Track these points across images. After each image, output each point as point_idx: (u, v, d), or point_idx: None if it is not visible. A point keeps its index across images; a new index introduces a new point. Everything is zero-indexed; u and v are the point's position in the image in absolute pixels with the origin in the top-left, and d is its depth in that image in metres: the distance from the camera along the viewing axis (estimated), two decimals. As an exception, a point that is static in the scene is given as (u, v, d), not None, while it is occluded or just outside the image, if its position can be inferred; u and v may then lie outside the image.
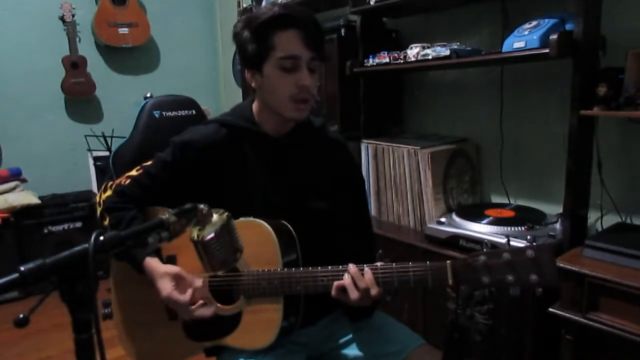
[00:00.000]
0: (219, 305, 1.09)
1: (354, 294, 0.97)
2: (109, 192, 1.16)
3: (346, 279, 0.98)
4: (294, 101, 1.05)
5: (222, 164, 1.13)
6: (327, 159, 1.19)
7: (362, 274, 0.97)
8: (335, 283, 0.99)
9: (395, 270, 0.97)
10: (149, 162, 1.17)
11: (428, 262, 0.96)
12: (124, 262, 1.12)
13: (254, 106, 1.15)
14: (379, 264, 0.99)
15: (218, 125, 1.15)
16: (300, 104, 1.05)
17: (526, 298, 1.46)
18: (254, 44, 1.03)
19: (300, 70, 1.03)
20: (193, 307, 1.05)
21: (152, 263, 1.08)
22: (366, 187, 1.33)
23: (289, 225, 1.08)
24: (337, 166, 1.19)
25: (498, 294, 1.53)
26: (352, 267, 0.98)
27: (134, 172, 1.17)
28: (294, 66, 1.02)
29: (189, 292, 1.04)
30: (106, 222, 1.13)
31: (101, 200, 1.16)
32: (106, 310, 1.18)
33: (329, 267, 1.01)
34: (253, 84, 1.10)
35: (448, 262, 0.94)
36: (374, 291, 0.96)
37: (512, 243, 0.98)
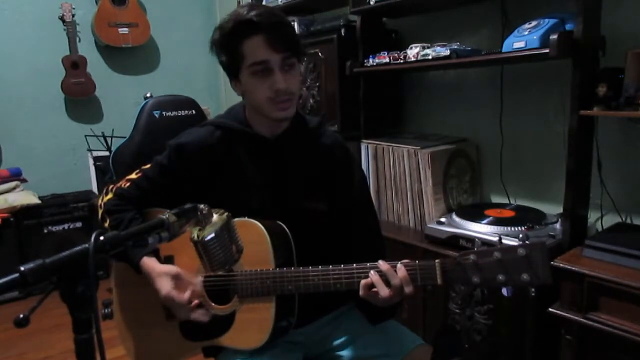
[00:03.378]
0: (213, 305, 1.09)
1: (384, 291, 0.95)
2: (110, 195, 1.17)
3: (373, 276, 0.96)
4: (274, 103, 1.05)
5: (217, 165, 1.13)
6: (324, 159, 1.18)
7: (395, 271, 0.95)
8: (362, 281, 0.97)
9: None
10: (147, 165, 1.18)
11: (417, 261, 0.96)
12: (125, 263, 1.12)
13: (247, 108, 1.15)
14: (368, 263, 0.98)
15: (213, 128, 1.15)
16: (281, 104, 1.05)
17: (525, 298, 1.46)
18: (225, 56, 1.06)
19: (273, 74, 1.02)
20: (191, 305, 1.05)
21: (150, 263, 1.08)
22: (368, 185, 1.31)
23: (283, 226, 1.08)
24: (335, 166, 1.19)
25: (497, 294, 1.53)
26: (383, 264, 0.97)
27: (133, 175, 1.18)
28: (265, 70, 1.02)
29: (188, 291, 1.04)
30: (106, 224, 1.13)
31: (102, 203, 1.17)
32: (106, 310, 1.18)
33: (320, 266, 1.01)
34: (237, 91, 1.11)
35: (437, 261, 0.94)
36: (408, 289, 0.95)
37: (504, 241, 0.97)
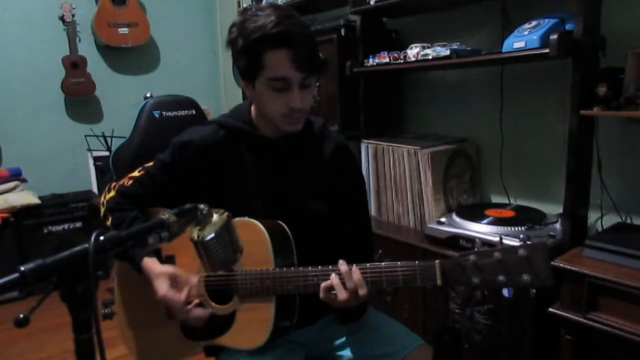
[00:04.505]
0: (213, 304, 1.09)
1: (342, 294, 0.96)
2: (112, 193, 1.17)
3: (333, 279, 0.97)
4: (284, 117, 1.04)
5: (220, 164, 1.13)
6: (327, 161, 1.18)
7: (351, 273, 0.96)
8: (323, 284, 0.98)
9: (384, 269, 0.96)
10: (150, 163, 1.17)
11: (417, 262, 0.95)
12: (127, 262, 1.12)
13: (253, 108, 1.15)
14: (368, 264, 0.99)
15: (217, 127, 1.15)
16: (292, 119, 1.05)
17: (526, 298, 1.46)
18: (245, 60, 1.01)
19: (291, 91, 1.01)
20: (189, 307, 1.05)
21: (150, 263, 1.08)
22: (366, 187, 1.34)
23: (284, 226, 1.08)
24: (337, 168, 1.19)
25: (495, 294, 1.53)
26: (342, 264, 0.98)
27: (135, 173, 1.18)
28: (284, 87, 1.00)
29: (185, 292, 1.04)
30: (108, 223, 1.13)
31: (104, 201, 1.17)
32: (106, 310, 1.18)
33: (319, 266, 1.01)
34: (247, 93, 1.10)
35: (437, 261, 0.93)
36: (362, 291, 0.96)
37: (505, 242, 0.96)
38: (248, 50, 0.99)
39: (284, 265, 1.05)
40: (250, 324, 1.06)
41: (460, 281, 0.92)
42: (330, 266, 1.00)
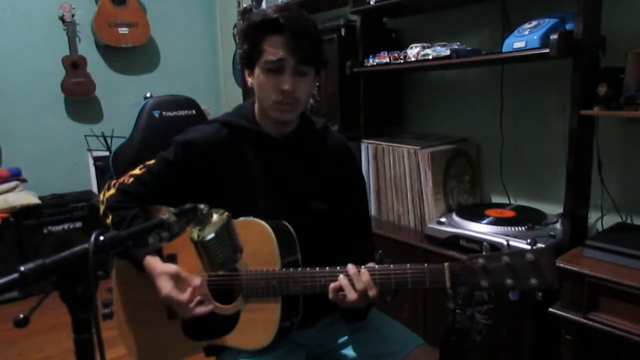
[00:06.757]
0: (217, 304, 1.09)
1: (351, 295, 0.96)
2: (112, 191, 1.17)
3: (342, 280, 0.98)
4: (276, 103, 1.06)
5: (224, 163, 1.13)
6: (329, 160, 1.19)
7: (360, 275, 0.97)
8: (331, 285, 0.98)
9: (393, 272, 0.97)
10: (152, 161, 1.17)
11: (426, 264, 0.96)
12: (126, 261, 1.12)
13: (256, 107, 1.15)
14: (376, 265, 0.99)
15: (220, 125, 1.15)
16: (282, 105, 1.06)
17: (526, 299, 1.46)
18: (246, 45, 1.07)
19: (283, 75, 1.03)
20: (192, 305, 1.05)
21: (152, 262, 1.08)
22: (366, 187, 1.36)
23: (289, 226, 1.08)
24: (339, 167, 1.19)
25: (498, 296, 1.53)
26: (351, 268, 0.98)
27: (137, 171, 1.17)
28: (278, 70, 1.03)
29: (188, 291, 1.04)
30: (109, 221, 1.13)
31: (104, 199, 1.16)
32: (106, 310, 1.18)
33: (327, 267, 1.01)
34: (249, 83, 1.12)
35: (446, 264, 0.94)
36: (371, 292, 0.96)
37: (512, 244, 0.97)
38: (249, 34, 1.06)
39: (289, 265, 1.05)
40: (255, 324, 1.06)
41: (469, 284, 0.92)
42: (338, 267, 1.00)
